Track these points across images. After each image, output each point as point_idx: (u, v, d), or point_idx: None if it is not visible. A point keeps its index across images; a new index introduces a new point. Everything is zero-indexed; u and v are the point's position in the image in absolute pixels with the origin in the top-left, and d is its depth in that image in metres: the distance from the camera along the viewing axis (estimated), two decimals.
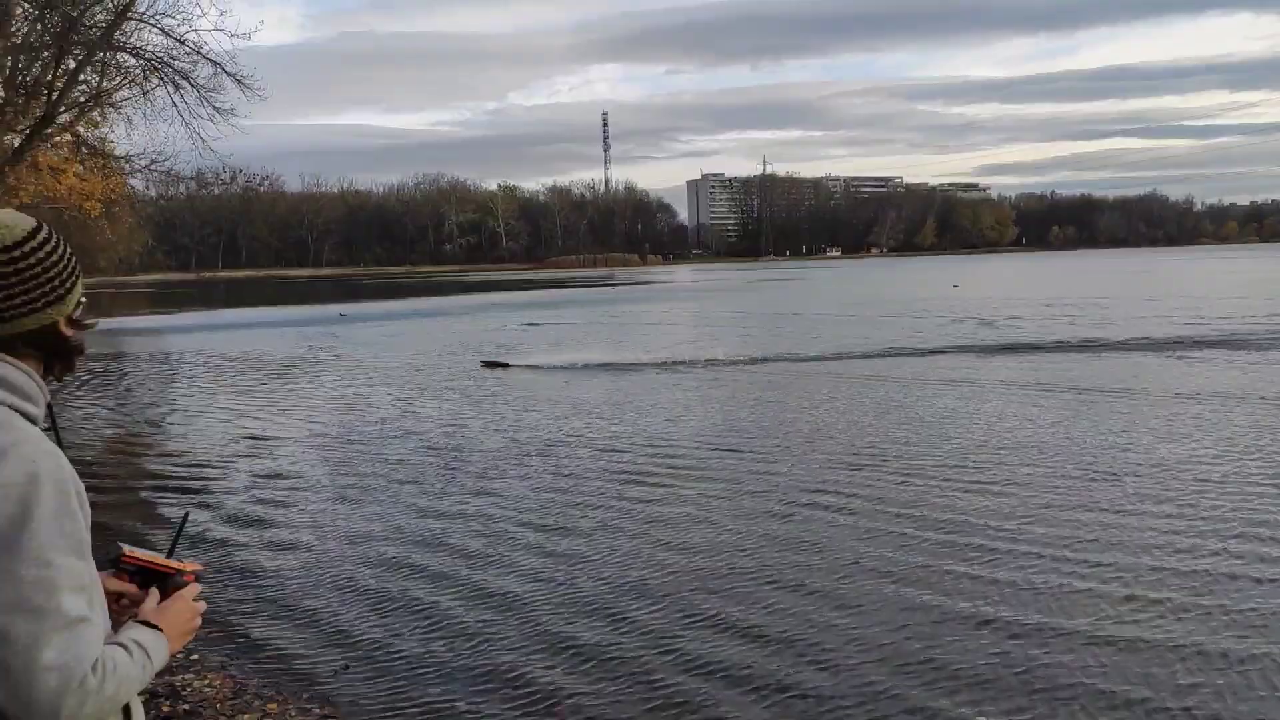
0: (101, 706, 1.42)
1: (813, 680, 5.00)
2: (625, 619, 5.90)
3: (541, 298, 55.73)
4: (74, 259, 1.64)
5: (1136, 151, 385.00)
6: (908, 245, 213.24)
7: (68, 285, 1.60)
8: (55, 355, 1.62)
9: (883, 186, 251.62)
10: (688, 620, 5.89)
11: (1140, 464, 9.68)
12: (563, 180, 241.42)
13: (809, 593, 6.31)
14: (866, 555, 7.03)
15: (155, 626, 1.57)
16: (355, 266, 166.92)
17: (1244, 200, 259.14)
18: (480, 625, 5.89)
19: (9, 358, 1.54)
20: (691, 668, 5.22)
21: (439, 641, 5.68)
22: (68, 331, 1.62)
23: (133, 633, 1.54)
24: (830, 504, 8.46)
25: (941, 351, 20.56)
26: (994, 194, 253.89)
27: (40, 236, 1.58)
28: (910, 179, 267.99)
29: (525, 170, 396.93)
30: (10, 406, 1.51)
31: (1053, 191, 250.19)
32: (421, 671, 5.28)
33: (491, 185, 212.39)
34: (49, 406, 1.62)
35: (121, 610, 1.63)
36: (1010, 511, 8.08)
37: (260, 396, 16.91)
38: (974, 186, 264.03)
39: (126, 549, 1.68)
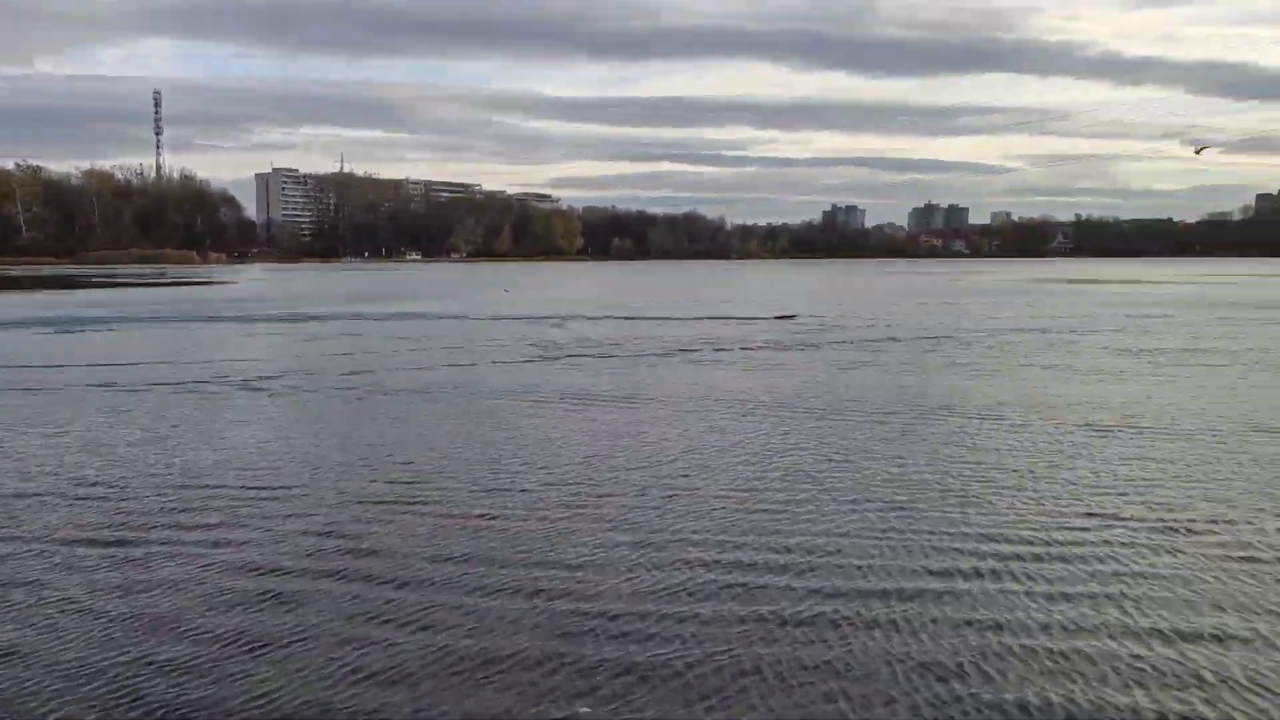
0: None
1: None
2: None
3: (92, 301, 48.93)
4: None
5: (681, 174, 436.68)
6: (486, 250, 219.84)
7: None
8: None
9: (461, 192, 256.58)
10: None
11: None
12: (103, 164, 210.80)
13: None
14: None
15: None
16: None
17: (763, 221, 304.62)
18: None
19: None
20: None
21: None
22: None
23: None
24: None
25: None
26: (565, 205, 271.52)
27: None
28: (489, 186, 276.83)
29: (54, 149, 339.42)
30: None
31: (614, 206, 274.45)
32: None
33: (7, 164, 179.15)
34: None
35: None
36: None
37: None
38: (548, 198, 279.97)
39: None
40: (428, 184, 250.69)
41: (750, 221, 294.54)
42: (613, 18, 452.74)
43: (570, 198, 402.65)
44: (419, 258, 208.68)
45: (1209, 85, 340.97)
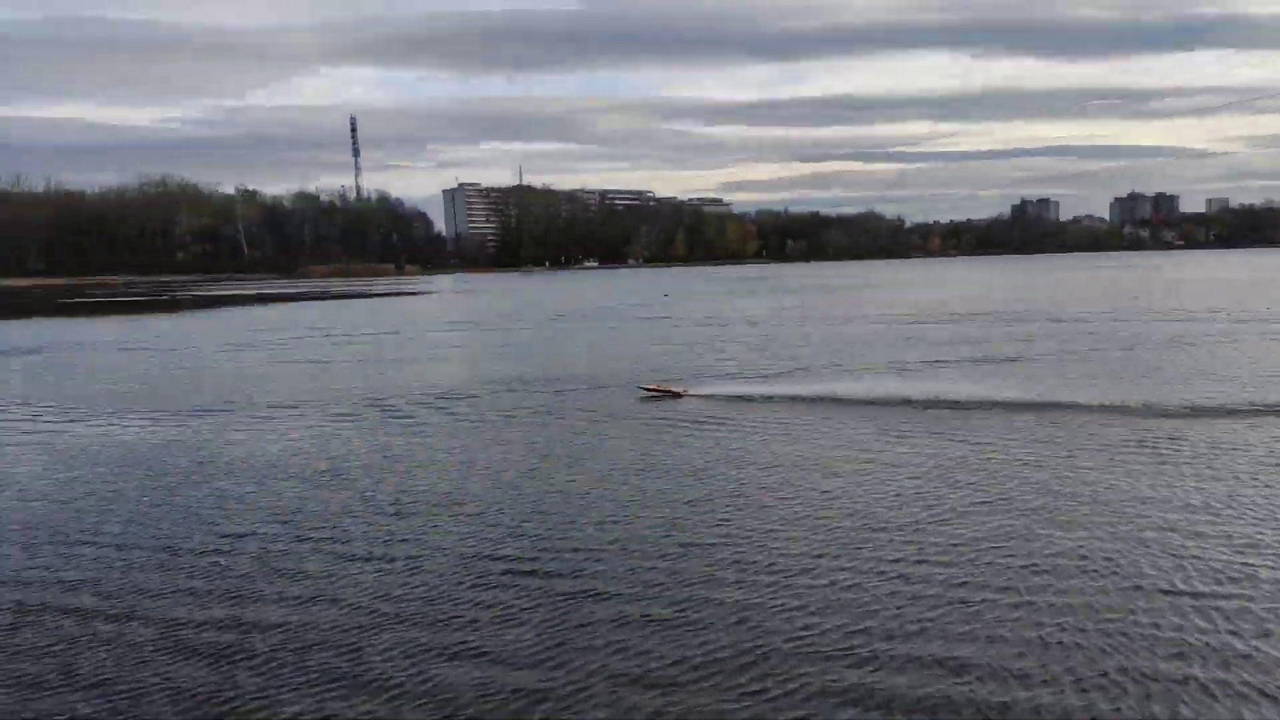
0: None
1: None
2: None
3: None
4: None
5: (855, 174, 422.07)
6: (662, 256, 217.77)
7: None
8: None
9: (636, 199, 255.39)
10: None
11: None
12: (309, 187, 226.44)
13: None
14: None
15: None
16: (72, 276, 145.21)
17: (944, 219, 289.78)
18: None
19: None
20: None
21: None
22: None
23: None
24: None
25: None
26: (735, 209, 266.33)
27: None
28: (661, 192, 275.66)
29: (266, 174, 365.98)
30: None
31: (787, 208, 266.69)
32: None
33: (229, 189, 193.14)
34: None
35: None
36: None
37: None
38: (719, 201, 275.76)
39: None
40: (603, 193, 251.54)
41: (931, 219, 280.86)
42: (776, 18, 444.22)
43: (741, 201, 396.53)
44: (596, 265, 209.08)
45: None
